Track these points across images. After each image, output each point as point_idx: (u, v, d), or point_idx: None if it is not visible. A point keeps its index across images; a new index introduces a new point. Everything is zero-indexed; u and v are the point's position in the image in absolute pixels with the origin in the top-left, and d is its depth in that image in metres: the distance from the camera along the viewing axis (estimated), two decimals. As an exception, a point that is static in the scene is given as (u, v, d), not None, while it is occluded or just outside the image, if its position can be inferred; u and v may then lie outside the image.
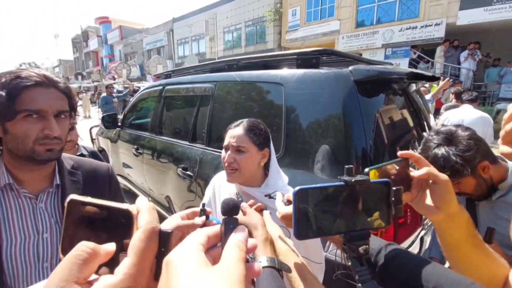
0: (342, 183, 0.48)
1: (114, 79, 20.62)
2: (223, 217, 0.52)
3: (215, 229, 0.29)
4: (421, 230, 1.52)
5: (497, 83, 9.09)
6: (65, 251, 0.29)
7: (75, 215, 0.31)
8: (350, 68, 1.41)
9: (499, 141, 0.51)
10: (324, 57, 1.71)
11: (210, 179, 1.92)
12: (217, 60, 2.34)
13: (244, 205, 0.67)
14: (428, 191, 0.56)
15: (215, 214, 1.03)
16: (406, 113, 1.71)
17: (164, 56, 21.38)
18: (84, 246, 0.25)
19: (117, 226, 0.30)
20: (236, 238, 0.27)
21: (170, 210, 2.46)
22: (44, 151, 0.71)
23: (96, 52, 34.67)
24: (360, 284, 0.44)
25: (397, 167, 0.57)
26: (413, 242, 1.44)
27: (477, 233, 0.54)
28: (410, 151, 0.57)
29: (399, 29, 11.08)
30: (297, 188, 0.45)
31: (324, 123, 1.39)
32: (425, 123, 1.84)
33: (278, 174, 1.01)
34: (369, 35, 11.89)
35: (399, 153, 0.57)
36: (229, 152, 0.96)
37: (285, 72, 1.63)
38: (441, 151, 0.94)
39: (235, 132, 0.98)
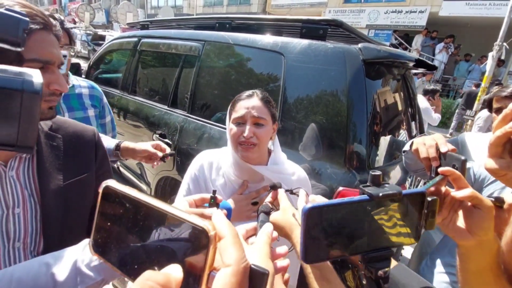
0: (366, 197, 0.39)
1: (75, 22, 18.25)
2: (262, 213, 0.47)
3: (252, 225, 0.45)
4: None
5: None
6: (97, 247, 0.26)
7: (112, 208, 0.26)
8: (360, 45, 1.29)
9: (486, 153, 0.46)
10: (329, 29, 1.56)
11: (192, 150, 1.79)
12: (206, 16, 2.07)
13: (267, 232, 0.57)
14: (460, 213, 0.51)
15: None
16: (402, 98, 1.68)
17: (135, 4, 19.18)
18: (151, 281, 0.20)
19: (176, 239, 0.23)
20: (265, 229, 0.36)
21: (143, 177, 2.30)
22: (48, 109, 0.60)
23: (53, -13, 29.98)
24: None
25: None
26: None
27: (501, 263, 0.51)
28: (451, 169, 0.51)
29: (385, 11, 11.05)
30: (309, 205, 0.37)
31: (325, 102, 1.29)
32: (416, 111, 1.84)
33: (279, 150, 0.95)
34: (356, 13, 11.71)
35: (440, 169, 0.51)
36: (247, 125, 0.84)
37: (287, 40, 1.46)
38: None
39: (252, 102, 0.86)
